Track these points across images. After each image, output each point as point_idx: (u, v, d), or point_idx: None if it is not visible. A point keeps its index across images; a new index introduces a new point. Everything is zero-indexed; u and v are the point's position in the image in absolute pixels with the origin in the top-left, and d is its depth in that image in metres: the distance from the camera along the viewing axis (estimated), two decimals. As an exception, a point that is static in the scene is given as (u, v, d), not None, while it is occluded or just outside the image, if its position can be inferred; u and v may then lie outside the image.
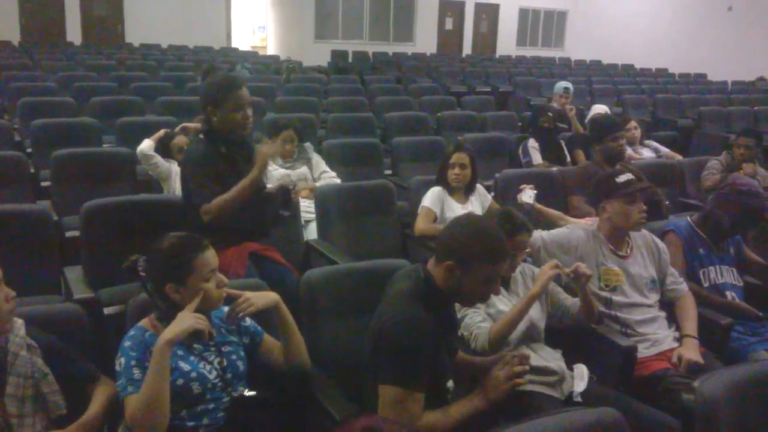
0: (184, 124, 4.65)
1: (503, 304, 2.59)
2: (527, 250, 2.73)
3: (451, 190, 3.88)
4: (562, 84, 7.32)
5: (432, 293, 2.04)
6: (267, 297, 2.17)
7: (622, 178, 2.91)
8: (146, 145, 4.24)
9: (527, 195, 3.57)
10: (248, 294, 2.12)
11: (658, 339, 2.81)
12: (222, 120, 2.94)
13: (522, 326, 2.53)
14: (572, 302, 2.69)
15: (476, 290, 2.05)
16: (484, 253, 1.99)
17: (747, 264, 3.36)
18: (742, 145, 5.05)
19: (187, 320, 1.93)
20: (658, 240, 3.09)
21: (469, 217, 2.22)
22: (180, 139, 4.36)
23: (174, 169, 4.26)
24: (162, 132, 4.40)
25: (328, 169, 4.74)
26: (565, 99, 7.06)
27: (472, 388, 2.12)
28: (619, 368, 2.65)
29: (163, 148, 4.33)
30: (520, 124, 7.46)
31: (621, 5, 19.36)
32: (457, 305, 2.39)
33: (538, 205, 3.60)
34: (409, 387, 1.91)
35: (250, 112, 2.99)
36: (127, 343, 1.96)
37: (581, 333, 2.73)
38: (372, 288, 2.36)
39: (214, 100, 2.93)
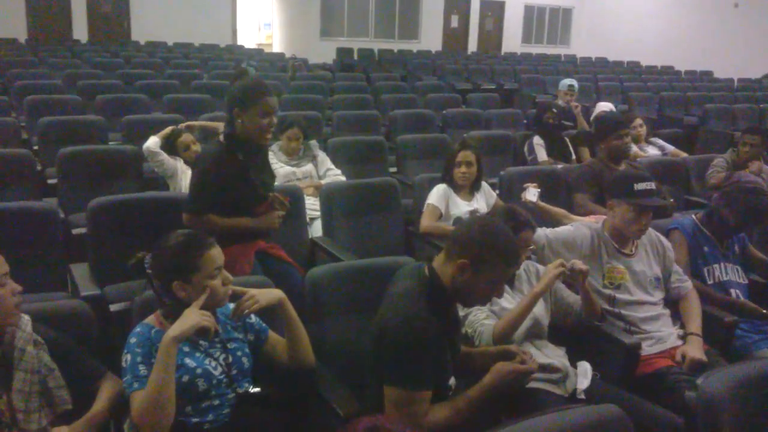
0: (188, 123, 4.66)
1: (507, 301, 2.59)
2: (531, 247, 2.73)
3: (456, 188, 3.88)
4: (566, 81, 7.31)
5: (437, 292, 2.03)
6: (272, 294, 2.18)
7: (640, 186, 2.86)
8: (152, 142, 4.26)
9: (531, 193, 3.57)
10: (253, 291, 2.13)
11: (662, 337, 2.81)
12: (246, 124, 2.91)
13: (526, 323, 2.54)
14: (575, 300, 2.69)
15: (482, 291, 2.03)
16: (500, 255, 1.98)
17: (752, 262, 3.36)
18: (747, 143, 5.03)
19: (193, 317, 1.94)
20: (663, 238, 3.08)
21: (487, 217, 2.23)
22: (186, 137, 4.38)
23: (180, 166, 4.28)
24: (169, 129, 4.42)
25: (333, 166, 4.75)
26: (570, 96, 7.05)
27: (471, 382, 2.12)
28: (623, 366, 2.65)
29: (169, 146, 4.35)
30: (525, 121, 7.46)
31: (626, 2, 19.30)
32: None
33: (542, 204, 3.60)
34: (414, 388, 1.91)
35: (275, 120, 2.98)
36: (133, 340, 1.98)
37: (585, 330, 2.73)
38: (376, 285, 2.36)
39: (243, 102, 2.90)
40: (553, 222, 3.43)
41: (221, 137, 3.03)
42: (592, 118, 6.08)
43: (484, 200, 3.96)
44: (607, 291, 2.87)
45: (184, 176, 4.20)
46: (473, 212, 3.79)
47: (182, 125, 4.56)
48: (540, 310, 2.62)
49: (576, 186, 4.21)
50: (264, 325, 2.25)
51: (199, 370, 2.00)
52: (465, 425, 2.01)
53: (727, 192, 3.23)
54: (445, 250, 2.07)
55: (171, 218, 2.99)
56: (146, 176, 4.51)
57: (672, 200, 4.24)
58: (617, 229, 2.93)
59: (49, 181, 4.56)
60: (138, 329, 2.02)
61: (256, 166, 3.04)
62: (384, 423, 1.13)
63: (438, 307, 2.00)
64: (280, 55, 14.41)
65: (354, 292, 2.54)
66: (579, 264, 2.55)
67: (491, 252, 1.97)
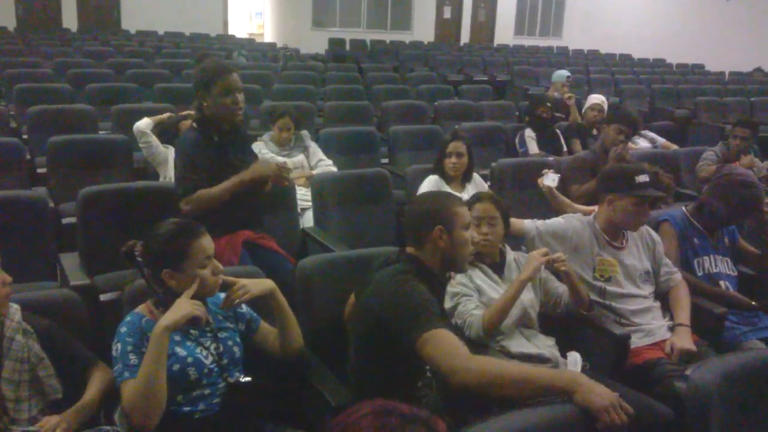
0: (189, 111, 4.63)
1: (496, 292, 2.60)
2: (491, 216, 2.71)
3: (448, 179, 3.89)
4: (564, 72, 7.30)
5: (425, 272, 2.08)
6: (263, 284, 2.18)
7: (641, 179, 2.87)
8: (144, 123, 4.23)
9: (549, 179, 3.54)
10: (244, 281, 2.13)
11: (652, 329, 2.82)
12: (212, 105, 2.92)
13: (515, 313, 2.55)
14: (564, 290, 2.71)
15: (465, 240, 2.11)
16: (451, 204, 2.14)
17: (741, 254, 3.37)
18: (738, 136, 5.04)
19: (184, 307, 1.93)
20: (653, 232, 3.09)
21: (417, 196, 2.29)
22: (187, 123, 4.34)
23: (171, 155, 4.26)
24: (165, 115, 4.39)
25: (324, 157, 4.74)
26: (567, 87, 7.07)
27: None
28: (613, 356, 2.66)
29: (164, 134, 4.32)
30: (517, 113, 7.46)
31: (619, -5, 19.31)
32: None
33: (556, 192, 3.59)
34: (435, 326, 1.86)
35: (240, 97, 2.96)
36: (123, 329, 1.97)
37: (575, 321, 2.75)
38: (367, 276, 2.36)
39: (204, 84, 2.92)
40: (559, 211, 3.41)
41: (194, 123, 3.04)
42: (583, 110, 6.08)
43: (475, 191, 3.95)
44: (598, 283, 2.88)
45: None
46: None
47: (184, 112, 4.54)
48: (529, 299, 2.64)
49: (571, 177, 4.21)
50: (255, 314, 2.25)
51: (190, 359, 2.00)
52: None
53: (717, 184, 3.24)
54: (412, 242, 2.15)
55: (162, 208, 2.98)
56: (137, 166, 4.50)
57: (670, 180, 4.16)
58: (612, 223, 2.93)
59: (39, 170, 4.54)
60: (128, 318, 2.01)
61: (235, 147, 3.03)
62: (396, 405, 1.11)
63: (429, 287, 2.03)
64: (272, 45, 14.34)
65: (345, 283, 2.53)
66: (560, 261, 2.56)
67: (444, 206, 2.12)
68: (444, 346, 1.83)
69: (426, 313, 1.89)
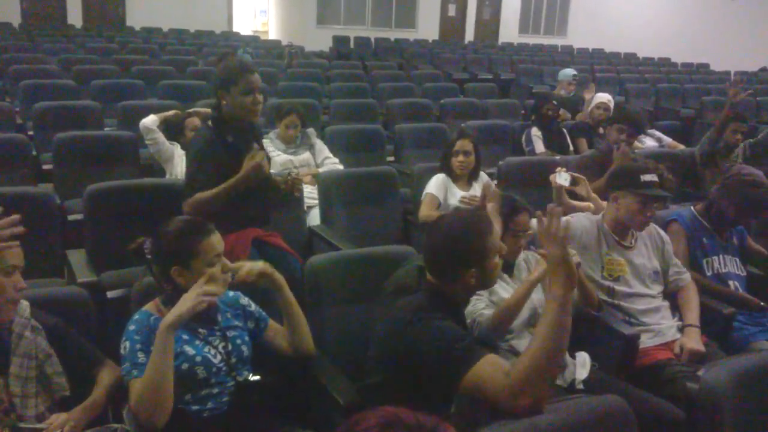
0: (195, 109, 4.63)
1: (506, 291, 2.59)
2: (528, 231, 2.71)
3: (454, 177, 3.88)
4: (570, 71, 7.28)
5: (448, 305, 2.00)
6: (264, 265, 2.19)
7: (647, 177, 2.86)
8: (150, 119, 4.24)
9: (562, 177, 3.51)
10: (246, 263, 2.16)
11: (661, 329, 2.81)
12: (232, 104, 2.90)
13: (525, 313, 2.53)
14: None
15: (495, 266, 2.02)
16: (482, 236, 1.97)
17: (750, 254, 3.36)
18: (738, 131, 5.00)
19: (188, 302, 1.92)
20: (662, 232, 3.08)
21: (439, 223, 2.13)
22: (195, 120, 4.35)
23: (177, 152, 4.26)
24: (171, 112, 4.39)
25: (330, 155, 4.73)
26: (573, 86, 7.05)
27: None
28: (621, 356, 2.65)
29: (171, 131, 4.32)
30: (522, 111, 7.44)
31: (624, -7, 19.26)
32: None
33: (564, 192, 3.56)
34: (478, 358, 1.78)
35: (260, 98, 2.95)
36: (131, 327, 1.97)
37: (583, 321, 2.73)
38: (375, 274, 2.36)
39: (225, 82, 2.90)
40: (567, 212, 3.39)
41: (209, 121, 3.03)
42: (590, 108, 6.07)
43: (482, 190, 3.94)
44: (606, 283, 2.87)
45: (181, 161, 4.18)
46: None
47: (191, 109, 4.54)
48: (539, 299, 2.62)
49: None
50: (264, 313, 2.24)
51: (198, 358, 1.99)
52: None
53: (726, 184, 3.22)
54: (436, 276, 2.02)
55: (168, 205, 2.98)
56: (143, 162, 4.49)
57: (670, 176, 4.13)
58: (618, 221, 2.92)
59: (44, 167, 4.54)
60: (137, 317, 2.00)
61: (249, 147, 3.02)
62: (402, 414, 1.10)
63: (451, 316, 1.97)
64: (276, 43, 14.33)
65: (353, 281, 2.54)
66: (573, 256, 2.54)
67: (477, 243, 1.96)
68: (485, 382, 1.73)
69: (457, 354, 1.78)
